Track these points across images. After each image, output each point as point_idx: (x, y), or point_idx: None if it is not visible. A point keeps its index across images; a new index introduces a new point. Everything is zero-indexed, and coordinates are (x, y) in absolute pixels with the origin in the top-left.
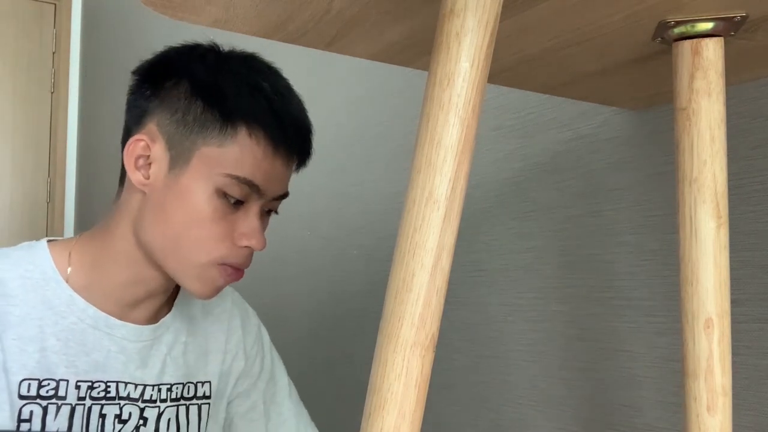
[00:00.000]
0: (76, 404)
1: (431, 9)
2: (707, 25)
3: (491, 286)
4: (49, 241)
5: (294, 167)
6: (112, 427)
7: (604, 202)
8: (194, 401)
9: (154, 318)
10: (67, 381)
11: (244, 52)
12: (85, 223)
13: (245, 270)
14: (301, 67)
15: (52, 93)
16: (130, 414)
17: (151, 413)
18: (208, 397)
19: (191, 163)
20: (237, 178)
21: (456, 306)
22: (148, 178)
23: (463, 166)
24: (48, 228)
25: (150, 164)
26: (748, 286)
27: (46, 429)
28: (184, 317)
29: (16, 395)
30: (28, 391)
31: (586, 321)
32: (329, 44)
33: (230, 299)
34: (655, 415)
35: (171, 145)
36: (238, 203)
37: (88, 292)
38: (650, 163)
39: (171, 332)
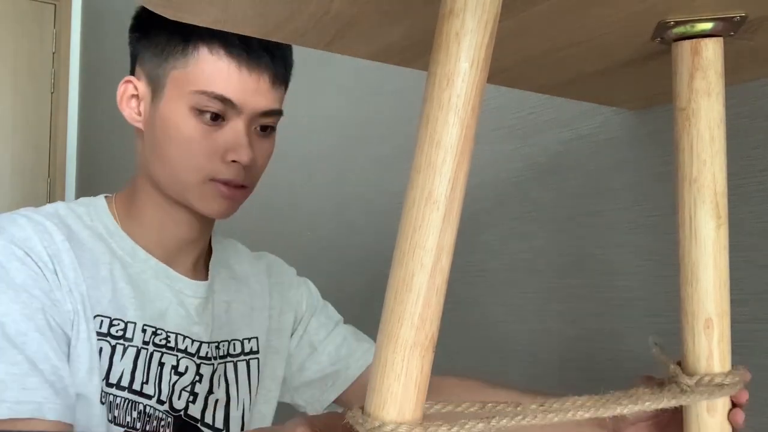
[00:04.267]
0: (141, 347)
1: (431, 9)
2: (707, 25)
3: (491, 286)
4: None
5: (270, 81)
6: (169, 377)
7: (604, 202)
8: (241, 357)
9: (199, 273)
10: (135, 324)
11: None
12: None
13: (248, 189)
14: (301, 67)
15: (52, 93)
16: (186, 368)
17: (206, 370)
18: (256, 352)
19: (165, 90)
20: (206, 93)
21: (456, 306)
22: (140, 114)
23: (462, 166)
24: None
25: (140, 102)
26: (748, 286)
27: (112, 368)
28: (224, 277)
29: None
30: (100, 328)
31: (586, 321)
32: (329, 44)
33: (265, 262)
34: None
35: (150, 79)
36: (217, 119)
37: (140, 242)
38: (650, 163)
39: (216, 291)
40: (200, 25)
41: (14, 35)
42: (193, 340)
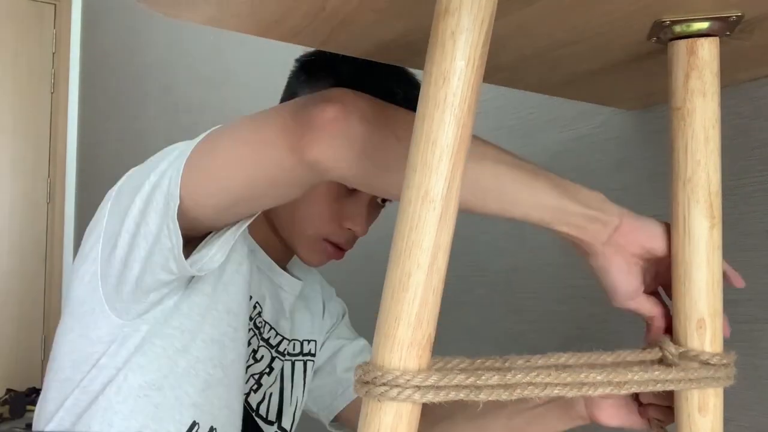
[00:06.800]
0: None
1: (426, 8)
2: (703, 25)
3: (491, 286)
4: None
5: None
6: (247, 359)
7: None
8: (300, 357)
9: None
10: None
11: (394, 65)
12: (85, 223)
13: (345, 253)
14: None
15: (52, 93)
16: (262, 357)
17: (277, 365)
18: (313, 355)
19: None
20: None
21: (456, 306)
22: None
23: (459, 165)
24: (48, 228)
25: None
26: (748, 286)
27: None
28: (296, 280)
29: None
30: None
31: (586, 321)
32: (324, 43)
33: (317, 274)
34: None
35: None
36: (353, 189)
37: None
38: (650, 163)
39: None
40: (195, 22)
41: (14, 35)
42: (277, 333)
